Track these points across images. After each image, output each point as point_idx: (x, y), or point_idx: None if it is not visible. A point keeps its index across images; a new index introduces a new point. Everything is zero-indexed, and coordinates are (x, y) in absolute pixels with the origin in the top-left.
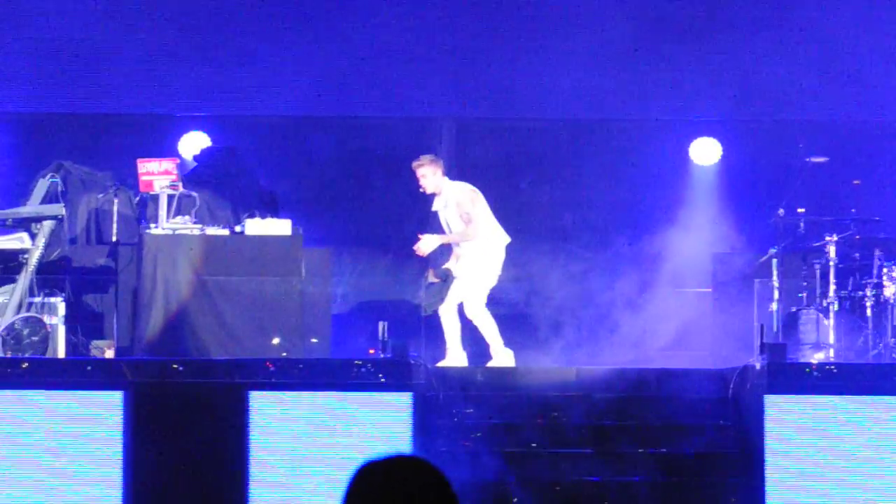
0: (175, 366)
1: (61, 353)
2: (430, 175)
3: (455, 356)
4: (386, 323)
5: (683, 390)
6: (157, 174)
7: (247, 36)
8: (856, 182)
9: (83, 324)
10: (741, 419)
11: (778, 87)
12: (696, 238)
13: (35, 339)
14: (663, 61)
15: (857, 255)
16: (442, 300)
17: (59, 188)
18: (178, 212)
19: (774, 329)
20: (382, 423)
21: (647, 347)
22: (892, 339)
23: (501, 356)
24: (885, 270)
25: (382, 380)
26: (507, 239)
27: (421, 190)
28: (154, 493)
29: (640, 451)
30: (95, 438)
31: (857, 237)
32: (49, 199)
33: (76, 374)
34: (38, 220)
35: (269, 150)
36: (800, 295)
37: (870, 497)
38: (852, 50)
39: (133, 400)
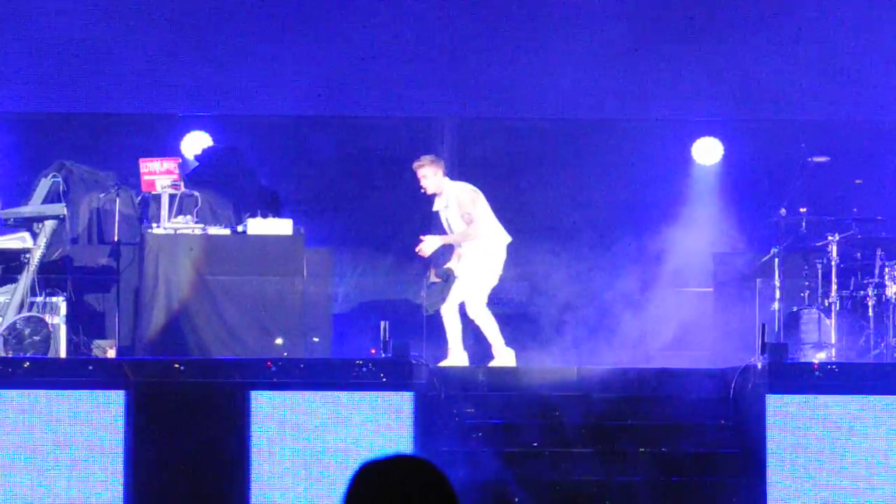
0: (176, 365)
1: (63, 353)
2: (430, 175)
3: (456, 356)
4: (387, 322)
5: (684, 390)
6: (158, 174)
7: (248, 36)
8: (857, 181)
9: (85, 323)
10: (742, 419)
11: (779, 87)
12: (698, 237)
13: (37, 338)
14: (664, 61)
15: (858, 254)
16: (443, 300)
17: (61, 188)
18: (180, 211)
19: (776, 329)
20: (383, 423)
21: (648, 347)
22: (894, 339)
23: (503, 356)
24: (886, 270)
25: (384, 379)
26: (508, 238)
27: (422, 190)
28: (155, 492)
29: (640, 450)
30: (97, 438)
31: (859, 237)
32: (51, 198)
33: (78, 373)
34: (40, 219)
35: (271, 150)
36: (801, 294)
37: (871, 497)
38: (853, 49)
39: (134, 399)
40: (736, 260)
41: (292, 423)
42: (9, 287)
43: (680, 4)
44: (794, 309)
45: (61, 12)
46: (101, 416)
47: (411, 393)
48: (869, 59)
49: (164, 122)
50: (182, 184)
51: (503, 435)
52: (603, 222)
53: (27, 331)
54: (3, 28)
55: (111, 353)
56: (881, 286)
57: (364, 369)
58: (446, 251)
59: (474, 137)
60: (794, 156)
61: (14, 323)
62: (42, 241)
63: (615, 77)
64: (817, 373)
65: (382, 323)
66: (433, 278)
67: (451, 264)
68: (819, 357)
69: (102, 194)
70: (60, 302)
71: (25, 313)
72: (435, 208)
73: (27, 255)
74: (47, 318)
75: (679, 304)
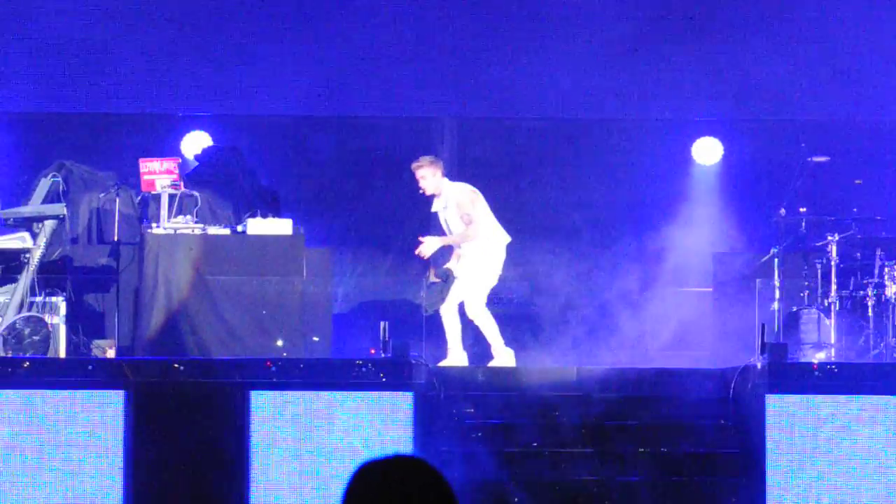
0: (176, 365)
1: (62, 353)
2: (429, 176)
3: (456, 356)
4: (387, 323)
5: (684, 390)
6: (158, 173)
7: (248, 36)
8: (857, 181)
9: (84, 323)
10: (742, 419)
11: (779, 87)
12: (698, 237)
13: (36, 338)
14: (664, 61)
15: (858, 254)
16: (443, 300)
17: (61, 187)
18: (180, 211)
19: (775, 329)
20: (383, 423)
21: (647, 347)
22: (894, 339)
23: (502, 356)
24: (886, 270)
25: (383, 379)
26: (507, 238)
27: (420, 191)
28: (155, 492)
29: (640, 450)
30: (96, 438)
31: (859, 236)
32: (51, 198)
33: (77, 373)
34: (40, 219)
35: (271, 150)
36: (801, 294)
37: (871, 497)
38: (853, 49)
39: (134, 399)
40: (736, 260)
41: (292, 423)
42: (8, 287)
43: (680, 4)
44: (794, 309)
45: (61, 12)
46: (101, 416)
47: (411, 393)
48: (869, 59)
49: (164, 122)
50: (182, 184)
51: (503, 435)
52: (603, 222)
53: (27, 331)
54: (4, 28)
55: (111, 353)
56: (881, 286)
57: (364, 369)
58: (446, 251)
59: (474, 137)
60: (794, 156)
61: (14, 323)
62: (42, 240)
63: (615, 77)
64: (817, 373)
65: (382, 323)
66: (433, 278)
67: (451, 264)
68: (819, 357)
69: (102, 194)
70: (60, 302)
71: (25, 313)
72: (434, 209)
73: (27, 255)
74: (47, 318)
75: (679, 303)
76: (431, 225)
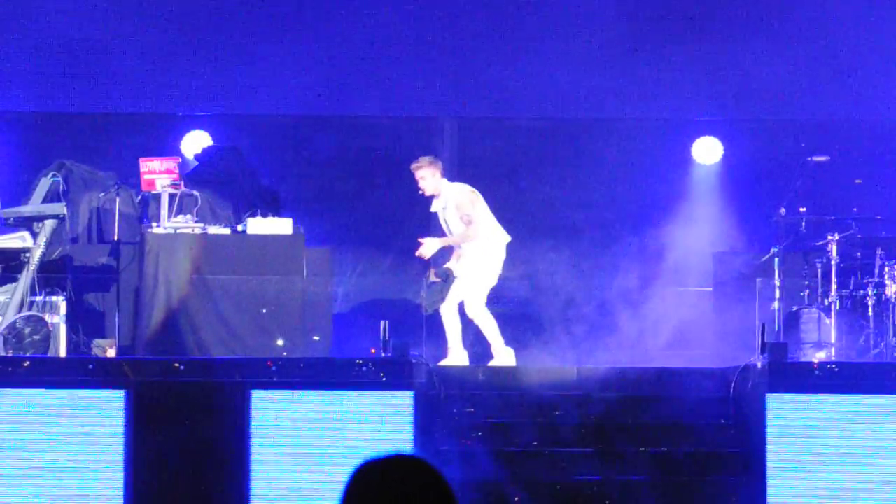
0: (176, 365)
1: (63, 352)
2: (428, 177)
3: (456, 355)
4: (387, 322)
5: (684, 390)
6: (158, 173)
7: (248, 35)
8: (857, 181)
9: (85, 323)
10: (742, 418)
11: (779, 87)
12: (698, 237)
13: (36, 337)
14: (664, 61)
15: (858, 253)
16: (443, 299)
17: (61, 187)
18: (180, 211)
19: (776, 328)
20: (383, 422)
21: (648, 347)
22: (894, 338)
23: (502, 355)
24: (886, 269)
25: (384, 379)
26: (507, 238)
27: (420, 192)
28: (155, 491)
29: (641, 450)
30: (97, 437)
31: (859, 236)
32: (51, 197)
33: (78, 373)
34: (40, 218)
35: (271, 150)
36: (801, 294)
37: (872, 496)
38: (853, 49)
39: (134, 399)
40: (736, 259)
41: (292, 423)
42: (9, 286)
43: (680, 4)
44: (794, 308)
45: (62, 12)
46: (101, 415)
47: (411, 392)
48: (869, 59)
49: (164, 122)
50: (182, 183)
51: (503, 434)
52: (603, 222)
53: (27, 330)
54: (4, 28)
55: (111, 353)
56: (881, 286)
57: (364, 369)
58: (446, 251)
59: (474, 137)
60: (794, 155)
61: (14, 322)
62: (42, 240)
63: (615, 77)
64: (817, 372)
65: (382, 322)
66: (433, 278)
67: (451, 264)
68: (819, 356)
69: (102, 193)
70: (60, 301)
71: (25, 312)
72: (433, 209)
73: (27, 255)
74: (47, 318)
75: (679, 303)
76: (431, 225)
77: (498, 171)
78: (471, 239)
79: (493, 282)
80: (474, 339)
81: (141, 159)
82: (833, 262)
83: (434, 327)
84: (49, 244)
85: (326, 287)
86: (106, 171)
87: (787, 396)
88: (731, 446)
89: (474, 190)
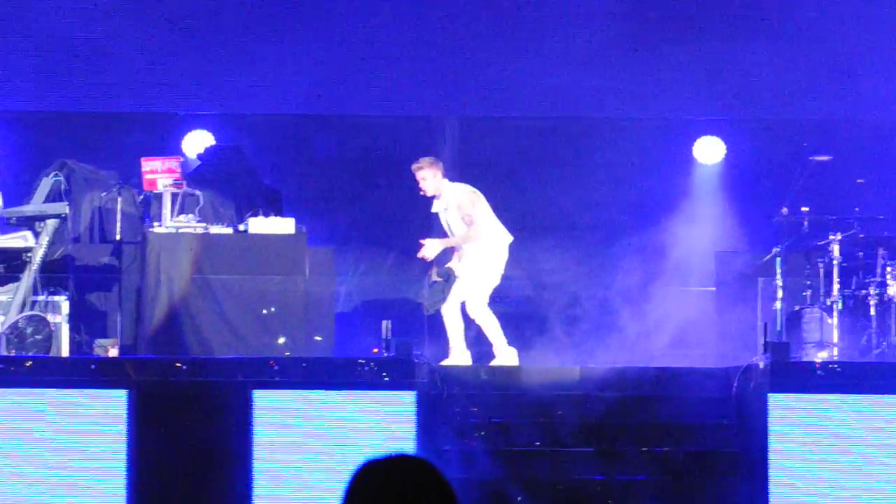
0: (179, 364)
1: (65, 352)
2: (430, 178)
3: (459, 355)
4: (389, 322)
5: (686, 389)
6: (160, 172)
7: (249, 35)
8: (859, 181)
9: (87, 322)
10: (744, 418)
11: (781, 86)
12: (700, 236)
13: (39, 337)
14: (665, 60)
15: (860, 253)
16: (444, 299)
17: (63, 186)
18: (182, 210)
19: (778, 328)
20: (385, 422)
21: (650, 346)
22: None
23: (505, 355)
24: (888, 269)
25: (386, 378)
26: (509, 238)
27: (421, 193)
28: (158, 491)
29: (643, 450)
30: (99, 437)
31: (861, 236)
32: (53, 197)
33: (80, 372)
34: (42, 218)
35: (273, 149)
36: (803, 294)
37: (874, 496)
38: (854, 48)
39: (137, 398)
40: (738, 259)
41: (295, 422)
42: (11, 286)
43: (680, 4)
44: (796, 308)
45: (64, 11)
46: (104, 415)
47: (413, 392)
48: (870, 58)
49: (166, 121)
50: (184, 183)
51: (505, 434)
52: (604, 221)
53: (29, 330)
54: (6, 27)
55: (113, 353)
56: (883, 285)
57: (366, 368)
58: (448, 251)
59: (476, 136)
60: (796, 155)
61: (16, 322)
62: (44, 239)
63: (616, 76)
64: (819, 372)
65: (385, 322)
66: (434, 277)
67: (453, 264)
68: (821, 356)
69: (104, 193)
70: (62, 301)
71: (27, 312)
72: (434, 210)
73: (29, 254)
74: (49, 317)
75: (681, 303)
76: (433, 224)
77: (499, 170)
78: (472, 239)
79: (496, 282)
80: (477, 339)
81: (142, 159)
82: (835, 262)
83: (436, 327)
84: (51, 244)
85: (329, 287)
86: (108, 170)
87: (789, 396)
88: (733, 446)
89: (475, 190)
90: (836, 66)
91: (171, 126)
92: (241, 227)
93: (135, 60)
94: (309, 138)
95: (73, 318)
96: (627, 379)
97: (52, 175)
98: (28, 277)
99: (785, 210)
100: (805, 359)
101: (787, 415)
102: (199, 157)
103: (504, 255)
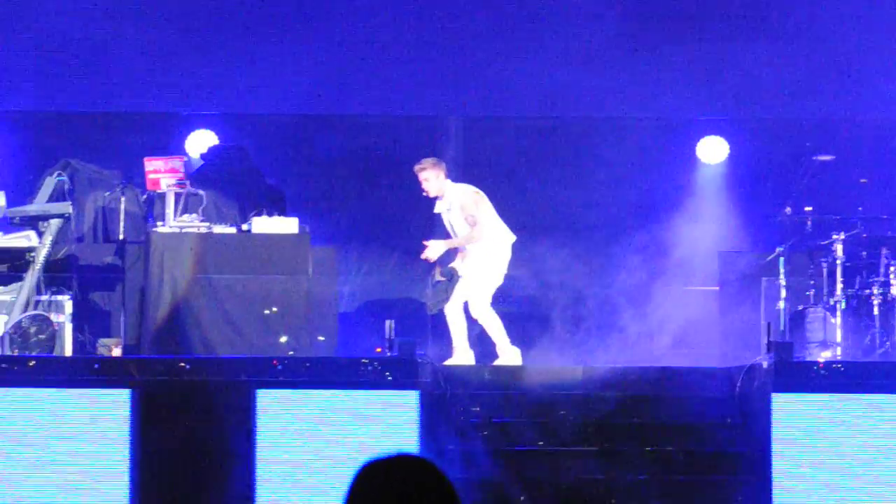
0: (182, 364)
1: (68, 352)
2: (432, 178)
3: (462, 355)
4: (393, 321)
5: (690, 389)
6: (163, 172)
7: (251, 35)
8: (863, 180)
9: (90, 322)
10: (748, 418)
11: (784, 86)
12: (703, 236)
13: (42, 337)
14: (668, 60)
15: (864, 253)
16: (447, 299)
17: (66, 186)
18: (185, 210)
19: (781, 327)
20: (389, 422)
21: (653, 346)
22: None
23: (508, 354)
24: (892, 269)
25: (389, 378)
26: (512, 238)
27: (424, 193)
28: (161, 490)
29: (646, 449)
30: (103, 436)
31: (864, 235)
32: (56, 197)
33: (83, 372)
34: (46, 218)
35: (277, 149)
36: (807, 293)
37: (877, 496)
38: (857, 48)
39: (140, 398)
40: (741, 259)
41: (298, 422)
42: (14, 285)
43: (681, 4)
44: (800, 308)
45: (66, 11)
46: (107, 414)
47: (416, 392)
48: (873, 58)
49: (169, 121)
50: (187, 182)
51: (507, 434)
52: (608, 221)
53: (33, 329)
54: (8, 27)
55: (117, 352)
56: (886, 285)
57: (369, 368)
58: (451, 250)
59: (478, 136)
60: (799, 154)
61: (20, 321)
62: (47, 239)
63: (618, 76)
64: (823, 371)
65: (388, 322)
66: (438, 277)
67: (456, 263)
68: (824, 356)
69: (108, 193)
70: (66, 300)
71: (31, 312)
72: (437, 210)
73: (32, 254)
74: (53, 317)
75: (684, 302)
76: (437, 224)
77: (501, 170)
78: (475, 240)
79: (499, 281)
80: (481, 338)
81: (145, 159)
82: (838, 262)
83: (440, 326)
84: (54, 243)
85: (332, 286)
86: (111, 170)
87: (792, 396)
88: (737, 446)
89: (478, 191)
90: (838, 66)
91: (173, 126)
92: (245, 227)
93: (136, 60)
94: (311, 138)
95: (77, 318)
96: (630, 379)
97: (55, 174)
98: (31, 277)
99: (788, 210)
100: (808, 358)
101: (790, 415)
102: (203, 156)
103: (507, 255)
